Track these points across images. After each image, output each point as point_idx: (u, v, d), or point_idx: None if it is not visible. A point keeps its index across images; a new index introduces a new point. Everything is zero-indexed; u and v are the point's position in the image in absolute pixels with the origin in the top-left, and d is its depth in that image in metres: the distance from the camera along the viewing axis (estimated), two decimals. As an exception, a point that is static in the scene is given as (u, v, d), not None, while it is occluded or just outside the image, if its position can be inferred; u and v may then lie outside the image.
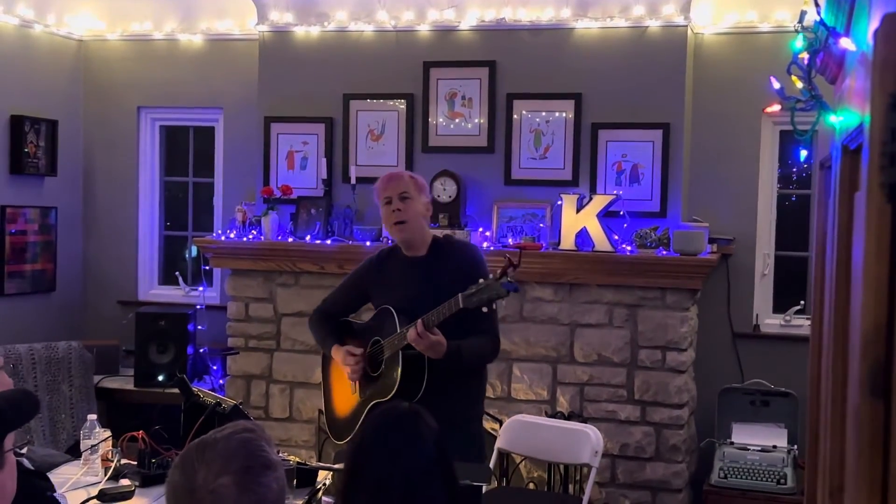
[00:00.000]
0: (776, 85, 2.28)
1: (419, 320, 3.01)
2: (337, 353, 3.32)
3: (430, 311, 3.01)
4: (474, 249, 3.31)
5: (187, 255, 5.80)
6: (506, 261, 2.88)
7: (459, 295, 2.92)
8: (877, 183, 1.09)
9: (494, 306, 2.92)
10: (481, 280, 2.90)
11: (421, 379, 3.08)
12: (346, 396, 3.39)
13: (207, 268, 5.41)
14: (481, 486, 3.08)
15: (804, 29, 2.11)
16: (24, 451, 1.66)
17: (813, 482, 2.41)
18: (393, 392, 3.10)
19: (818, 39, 1.97)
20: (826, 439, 1.92)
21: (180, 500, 1.63)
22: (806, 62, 2.09)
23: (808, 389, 2.59)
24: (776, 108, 2.38)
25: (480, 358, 3.21)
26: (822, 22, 1.86)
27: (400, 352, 3.11)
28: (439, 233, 3.54)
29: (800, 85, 2.15)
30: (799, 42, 2.13)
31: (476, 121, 4.89)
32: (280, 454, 3.21)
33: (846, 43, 1.64)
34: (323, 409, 3.59)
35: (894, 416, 1.05)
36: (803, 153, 2.84)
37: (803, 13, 2.10)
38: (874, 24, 1.22)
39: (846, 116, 1.68)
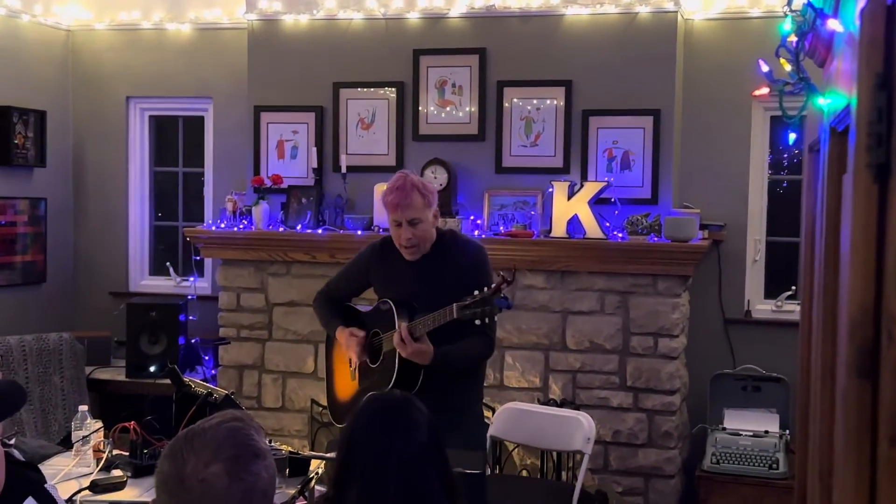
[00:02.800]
0: (765, 68, 2.28)
1: (404, 325, 2.99)
2: (341, 334, 3.31)
3: (427, 307, 2.99)
4: (480, 250, 3.21)
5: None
6: (499, 278, 2.87)
7: (454, 305, 2.90)
8: (864, 163, 1.08)
9: (487, 320, 2.89)
10: (476, 292, 2.86)
11: (417, 375, 3.07)
12: (346, 381, 3.39)
13: (198, 258, 5.39)
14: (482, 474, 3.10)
15: (793, 11, 2.10)
16: (11, 442, 1.65)
17: (803, 466, 2.42)
18: (389, 386, 3.09)
19: (806, 21, 1.96)
20: (816, 423, 1.93)
21: (170, 489, 1.62)
22: (794, 45, 2.08)
23: (798, 374, 2.60)
24: (765, 90, 2.37)
25: (472, 360, 3.18)
26: (809, 3, 1.85)
27: None
28: (445, 227, 3.44)
29: (788, 68, 2.14)
30: (787, 24, 2.12)
31: (466, 108, 4.87)
32: (272, 444, 3.22)
33: (834, 24, 1.63)
34: (325, 394, 3.59)
35: (881, 398, 1.04)
36: (792, 136, 2.83)
37: (792, -5, 2.10)
38: (861, 3, 1.21)
39: (834, 98, 1.67)
